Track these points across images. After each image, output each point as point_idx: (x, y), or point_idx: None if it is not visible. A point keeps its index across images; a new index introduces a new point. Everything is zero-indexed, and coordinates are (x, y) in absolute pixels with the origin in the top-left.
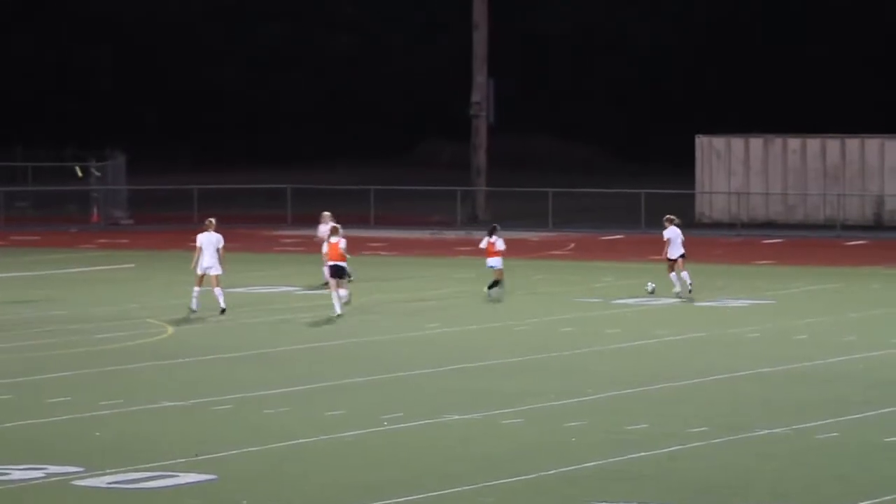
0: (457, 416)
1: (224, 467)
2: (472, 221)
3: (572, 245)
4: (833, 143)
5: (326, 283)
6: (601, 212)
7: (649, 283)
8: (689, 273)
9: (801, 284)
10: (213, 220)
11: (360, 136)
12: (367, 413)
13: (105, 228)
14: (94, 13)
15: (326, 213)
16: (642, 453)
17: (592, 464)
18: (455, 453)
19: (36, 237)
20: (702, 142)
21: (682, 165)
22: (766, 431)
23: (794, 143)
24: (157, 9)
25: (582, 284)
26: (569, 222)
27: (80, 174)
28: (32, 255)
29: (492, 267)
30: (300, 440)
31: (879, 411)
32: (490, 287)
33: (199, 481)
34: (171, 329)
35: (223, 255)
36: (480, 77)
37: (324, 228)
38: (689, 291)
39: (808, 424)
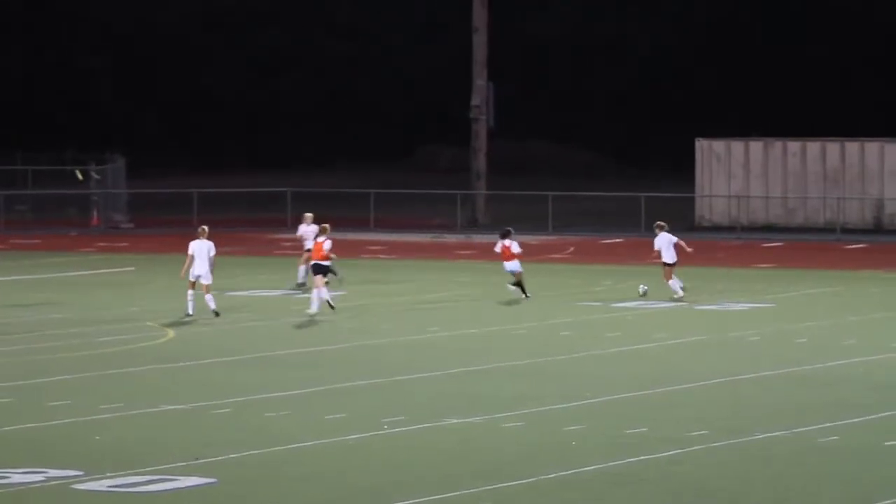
0: (457, 420)
1: (224, 471)
2: (472, 225)
3: (572, 249)
4: (833, 147)
5: (301, 285)
6: (601, 215)
7: (641, 286)
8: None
9: (800, 288)
10: (205, 227)
11: (359, 140)
12: (367, 416)
13: (105, 232)
14: (93, 17)
15: (308, 215)
16: (642, 457)
17: (592, 467)
18: (455, 457)
19: (36, 241)
20: (702, 145)
21: (682, 169)
22: (766, 435)
23: (793, 146)
24: (157, 13)
25: (582, 288)
26: (568, 226)
27: (80, 177)
28: (32, 258)
29: (511, 271)
30: (301, 444)
31: (879, 415)
32: (514, 284)
33: (199, 485)
34: (171, 332)
35: (214, 263)
36: (480, 81)
37: (304, 228)
38: (683, 293)
39: (808, 428)
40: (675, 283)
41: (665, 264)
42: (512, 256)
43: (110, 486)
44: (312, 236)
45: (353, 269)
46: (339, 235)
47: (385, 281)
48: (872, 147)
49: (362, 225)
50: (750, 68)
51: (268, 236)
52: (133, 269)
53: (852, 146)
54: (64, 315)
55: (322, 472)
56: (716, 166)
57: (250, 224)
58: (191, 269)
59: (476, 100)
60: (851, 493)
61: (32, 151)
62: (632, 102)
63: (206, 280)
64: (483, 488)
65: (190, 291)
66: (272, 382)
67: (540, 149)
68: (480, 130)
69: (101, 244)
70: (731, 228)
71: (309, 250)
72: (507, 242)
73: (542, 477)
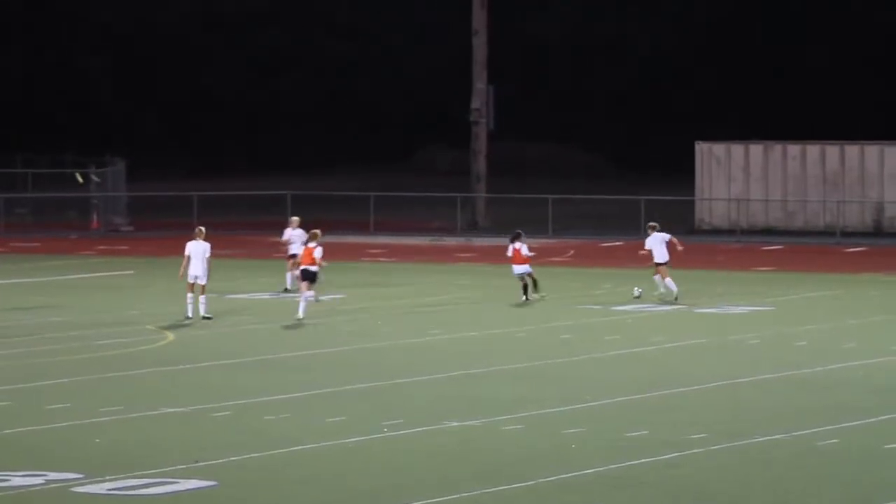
0: (456, 423)
1: (224, 474)
2: (472, 228)
3: (572, 252)
4: (832, 150)
5: (286, 290)
6: (601, 218)
7: (636, 288)
8: (672, 280)
9: (800, 291)
10: (202, 228)
11: (359, 141)
12: (367, 419)
13: (105, 235)
14: (93, 19)
15: (295, 218)
16: (642, 460)
17: (592, 471)
18: (455, 459)
19: (36, 244)
20: (702, 148)
21: (682, 171)
22: (766, 438)
23: (793, 149)
24: (157, 13)
25: (581, 291)
26: (568, 229)
27: (80, 180)
28: (32, 261)
29: (520, 274)
30: (300, 446)
31: (879, 418)
32: (525, 291)
33: (199, 488)
34: (171, 335)
35: (211, 264)
36: (480, 83)
37: (290, 232)
38: (675, 299)
39: (807, 431)
40: (669, 282)
41: (656, 263)
42: (522, 259)
43: (110, 489)
44: (298, 241)
45: (352, 272)
46: (339, 238)
47: (385, 284)
48: (872, 150)
49: (362, 228)
50: (750, 69)
51: (268, 239)
52: (132, 272)
53: (852, 149)
54: (63, 318)
55: (322, 475)
56: (716, 169)
57: (250, 227)
58: (188, 271)
59: (476, 102)
60: (851, 496)
61: (32, 152)
62: (631, 103)
63: (203, 281)
64: (483, 491)
65: (189, 294)
66: (272, 385)
67: (539, 150)
68: (480, 133)
69: (101, 247)
70: (730, 232)
71: (293, 255)
72: (517, 245)
73: (542, 480)
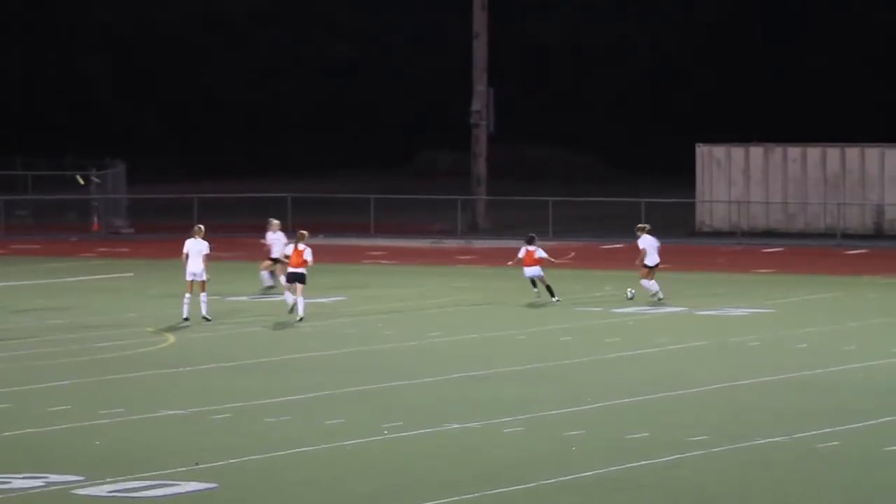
0: (457, 425)
1: (225, 476)
2: (473, 230)
3: (573, 254)
4: (833, 152)
5: (268, 289)
6: (601, 220)
7: (629, 290)
8: (657, 283)
9: (801, 293)
10: (201, 227)
11: (359, 143)
12: (367, 421)
13: (105, 237)
14: (93, 22)
15: (276, 222)
16: (642, 462)
17: (592, 473)
18: (455, 462)
19: (36, 246)
20: (702, 151)
21: (682, 173)
22: (766, 440)
23: (794, 152)
24: (156, 15)
25: (582, 293)
26: (569, 231)
27: (81, 182)
28: (32, 263)
29: (531, 277)
30: (301, 449)
31: (879, 420)
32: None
33: (199, 490)
34: (171, 338)
35: (208, 264)
36: (480, 86)
37: (271, 236)
38: (659, 299)
39: (807, 433)
40: (651, 284)
41: (646, 266)
42: (534, 262)
43: (111, 492)
44: (280, 244)
45: (353, 274)
46: (340, 241)
47: (385, 286)
48: (873, 153)
49: (363, 230)
50: (750, 70)
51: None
52: (132, 274)
53: (853, 152)
54: (64, 320)
55: (322, 477)
56: (716, 172)
57: (251, 229)
58: (186, 269)
59: (477, 105)
60: (851, 499)
61: (32, 152)
62: (632, 105)
63: (202, 277)
64: (483, 493)
65: (187, 295)
66: (272, 387)
67: (539, 152)
68: (481, 136)
69: (102, 249)
70: (731, 234)
71: (275, 259)
72: (531, 248)
73: (542, 482)
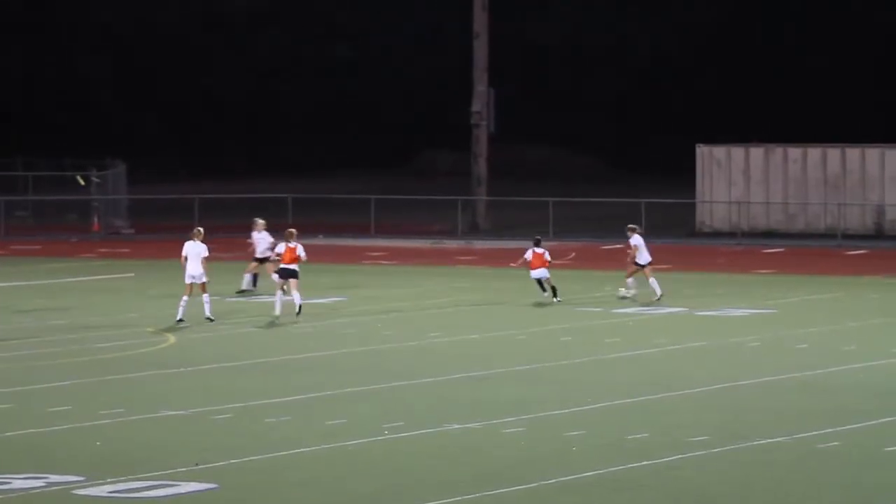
0: (457, 426)
1: (225, 476)
2: (473, 231)
3: (573, 254)
4: (833, 153)
5: (244, 291)
6: (601, 221)
7: (620, 290)
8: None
9: (801, 293)
10: (200, 229)
11: (359, 143)
12: (367, 422)
13: (105, 238)
14: (93, 22)
15: (261, 221)
16: (643, 462)
17: (593, 473)
18: (456, 462)
19: (36, 246)
20: (702, 151)
21: (682, 173)
22: (767, 440)
23: (794, 152)
24: (156, 15)
25: (582, 293)
26: (569, 231)
27: (82, 182)
28: (33, 264)
29: (538, 278)
30: (301, 449)
31: (880, 420)
32: (547, 292)
33: (199, 490)
34: (171, 338)
35: (207, 267)
36: (481, 86)
37: (256, 236)
38: (658, 299)
39: (808, 433)
40: (633, 282)
41: (636, 264)
42: (542, 263)
43: (111, 492)
44: (264, 243)
45: (353, 274)
46: (340, 241)
47: (385, 286)
48: (873, 153)
49: (363, 231)
50: (750, 71)
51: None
52: (133, 275)
53: (853, 152)
54: (64, 321)
55: (322, 478)
56: (716, 172)
57: (251, 230)
58: (185, 272)
59: (477, 105)
60: (852, 499)
61: (32, 153)
62: (632, 105)
63: (202, 279)
64: (483, 493)
65: (185, 297)
66: (272, 388)
67: (540, 152)
68: (481, 136)
69: (102, 250)
70: (731, 234)
71: (260, 260)
72: (538, 250)
73: (543, 482)
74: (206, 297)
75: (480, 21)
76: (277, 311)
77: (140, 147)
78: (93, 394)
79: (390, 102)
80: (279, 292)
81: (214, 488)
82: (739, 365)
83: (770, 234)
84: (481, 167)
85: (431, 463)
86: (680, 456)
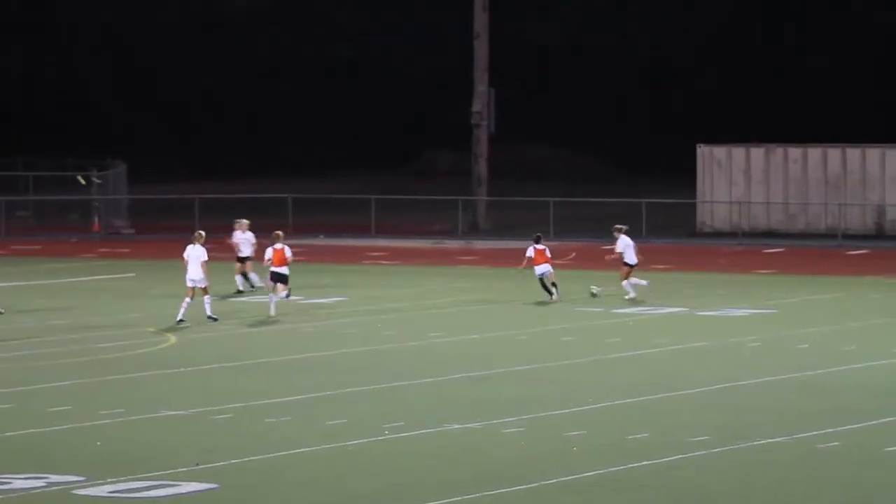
0: (458, 426)
1: (225, 476)
2: (474, 231)
3: (573, 254)
4: (834, 153)
5: (239, 292)
6: (602, 221)
7: (594, 287)
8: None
9: (802, 294)
10: (202, 233)
11: (360, 143)
12: (368, 422)
13: (106, 238)
14: (93, 22)
15: (244, 221)
16: (643, 462)
17: (593, 473)
18: (456, 462)
19: (37, 246)
20: (703, 151)
21: (683, 174)
22: (767, 440)
23: (795, 152)
24: (156, 15)
25: (583, 293)
26: (570, 231)
27: (83, 182)
28: (33, 264)
29: (543, 274)
30: (301, 449)
31: (880, 420)
32: (555, 295)
33: (200, 490)
34: (172, 338)
35: (206, 271)
36: (481, 86)
37: (240, 236)
38: (628, 299)
39: (808, 433)
40: (627, 284)
41: (625, 264)
42: (545, 259)
43: (111, 492)
44: (248, 244)
45: (353, 274)
46: (340, 241)
47: (386, 286)
48: (874, 153)
49: (363, 231)
50: (750, 71)
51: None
52: (133, 275)
53: (853, 152)
54: (65, 321)
55: (322, 478)
56: (717, 172)
57: (252, 230)
58: (186, 275)
59: (477, 105)
60: (852, 499)
61: (33, 153)
62: (632, 105)
63: (202, 284)
64: (483, 493)
65: (187, 299)
66: (273, 388)
67: (540, 152)
68: (481, 136)
69: (103, 250)
70: (732, 234)
71: (242, 259)
72: (540, 247)
73: (543, 482)
74: (206, 298)
75: (481, 21)
76: (272, 312)
77: (140, 147)
78: (93, 394)
79: (390, 102)
80: (272, 294)
81: (215, 488)
82: (740, 365)
83: (771, 234)
84: (482, 167)
85: (431, 463)
86: (680, 456)
